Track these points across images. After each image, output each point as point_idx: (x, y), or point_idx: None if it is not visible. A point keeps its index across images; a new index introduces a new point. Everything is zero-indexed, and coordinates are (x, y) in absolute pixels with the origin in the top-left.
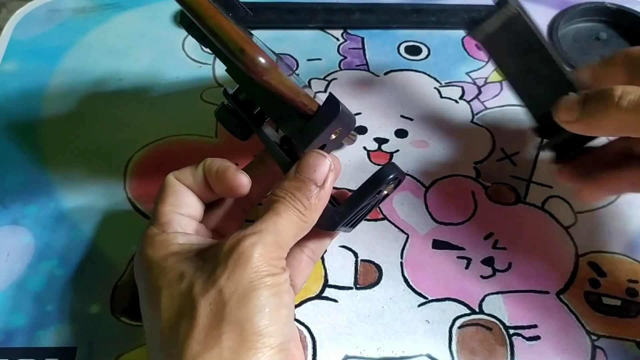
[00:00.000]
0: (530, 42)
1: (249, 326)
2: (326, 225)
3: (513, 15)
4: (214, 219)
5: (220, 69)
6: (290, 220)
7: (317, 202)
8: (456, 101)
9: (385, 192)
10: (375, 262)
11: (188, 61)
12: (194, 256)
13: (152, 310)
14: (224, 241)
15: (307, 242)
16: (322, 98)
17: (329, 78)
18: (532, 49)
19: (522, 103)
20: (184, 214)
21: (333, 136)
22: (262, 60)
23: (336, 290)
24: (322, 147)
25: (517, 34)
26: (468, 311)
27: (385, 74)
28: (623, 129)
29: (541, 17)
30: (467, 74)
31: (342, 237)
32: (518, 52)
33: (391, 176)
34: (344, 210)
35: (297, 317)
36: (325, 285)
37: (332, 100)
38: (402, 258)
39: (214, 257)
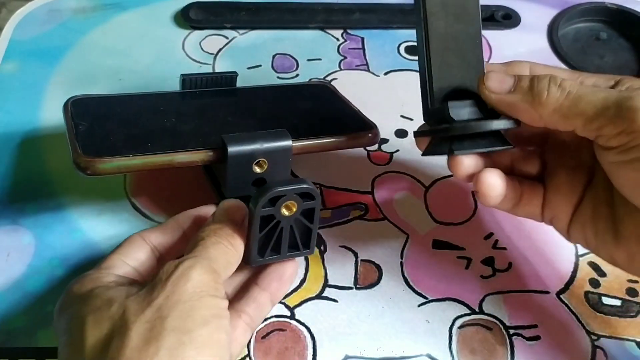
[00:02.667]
0: (470, 12)
1: (189, 338)
2: (245, 260)
3: None
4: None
5: (220, 69)
6: (218, 249)
7: (236, 238)
8: None
9: (295, 210)
10: (375, 262)
11: (188, 61)
12: (125, 286)
13: (72, 341)
14: (160, 270)
15: (246, 308)
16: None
17: (329, 78)
18: (469, 19)
19: (425, 71)
20: (130, 265)
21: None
22: None
23: (336, 290)
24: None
25: None
26: (468, 311)
27: (385, 74)
28: (555, 118)
29: (541, 17)
30: None
31: (342, 237)
32: (455, 14)
33: (261, 199)
34: (251, 244)
35: (297, 317)
36: (325, 285)
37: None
38: (402, 258)
39: (150, 283)
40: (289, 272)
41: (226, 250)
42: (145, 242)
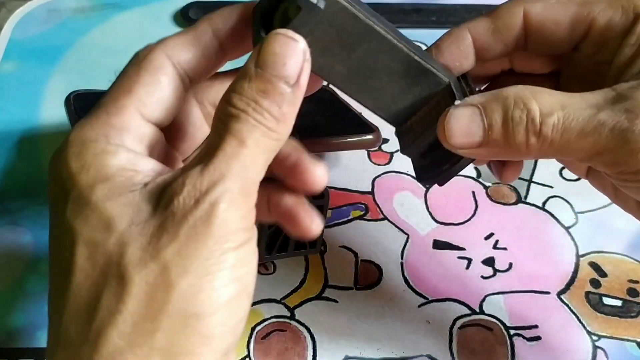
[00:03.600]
0: (358, 34)
1: (195, 324)
2: None
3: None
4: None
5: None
6: (258, 146)
7: (292, 108)
8: None
9: None
10: (376, 262)
11: None
12: (134, 193)
13: (60, 266)
14: (176, 187)
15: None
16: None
17: None
18: (363, 40)
19: (366, 106)
20: (149, 119)
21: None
22: None
23: (336, 290)
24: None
25: (337, 30)
26: (468, 311)
27: None
28: (548, 154)
29: None
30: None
31: (342, 237)
32: (343, 49)
33: None
34: (259, 241)
35: (297, 318)
36: (326, 285)
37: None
38: (402, 258)
39: (163, 207)
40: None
41: (268, 143)
42: (172, 68)
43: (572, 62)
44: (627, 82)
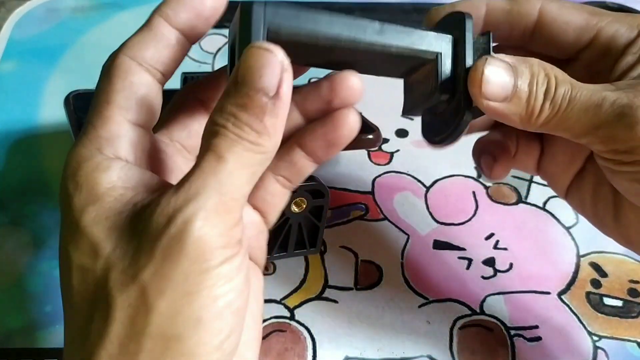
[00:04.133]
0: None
1: (175, 345)
2: None
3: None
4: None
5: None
6: (239, 161)
7: (275, 120)
8: None
9: (305, 207)
10: (376, 262)
11: (187, 60)
12: (121, 215)
13: (64, 288)
14: (154, 208)
15: (279, 164)
16: None
17: None
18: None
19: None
20: (136, 123)
21: None
22: None
23: (336, 290)
24: None
25: (306, 47)
26: (469, 312)
27: None
28: (541, 129)
29: None
30: None
31: (342, 237)
32: (321, 52)
33: None
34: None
35: (297, 318)
36: (326, 285)
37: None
38: (402, 258)
39: (142, 230)
40: (339, 133)
41: (252, 156)
42: (142, 69)
43: (569, 71)
44: (628, 80)
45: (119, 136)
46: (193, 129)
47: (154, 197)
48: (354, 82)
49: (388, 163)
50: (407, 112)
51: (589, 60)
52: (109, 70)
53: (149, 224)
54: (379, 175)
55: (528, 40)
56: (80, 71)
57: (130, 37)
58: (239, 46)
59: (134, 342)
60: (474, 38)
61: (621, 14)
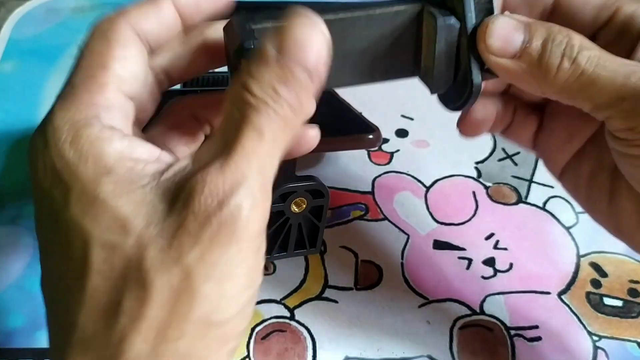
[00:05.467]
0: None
1: (216, 330)
2: None
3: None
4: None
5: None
6: (275, 140)
7: (309, 99)
8: None
9: (304, 207)
10: (376, 262)
11: None
12: (144, 188)
13: (69, 265)
14: (196, 185)
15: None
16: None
17: None
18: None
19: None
20: (128, 95)
21: None
22: None
23: (336, 290)
24: None
25: None
26: (469, 312)
27: None
28: (559, 96)
29: None
30: None
31: (342, 237)
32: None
33: (272, 194)
34: None
35: (297, 318)
36: (325, 286)
37: None
38: (402, 258)
39: (181, 207)
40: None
41: (286, 133)
42: (138, 39)
43: None
44: None
45: (115, 107)
46: (180, 149)
47: (179, 168)
48: (312, 137)
49: (388, 163)
50: (437, 90)
51: (606, 40)
52: (107, 33)
53: (195, 204)
54: (379, 175)
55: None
56: None
57: (133, 5)
58: (232, 53)
59: (173, 326)
60: None
61: None
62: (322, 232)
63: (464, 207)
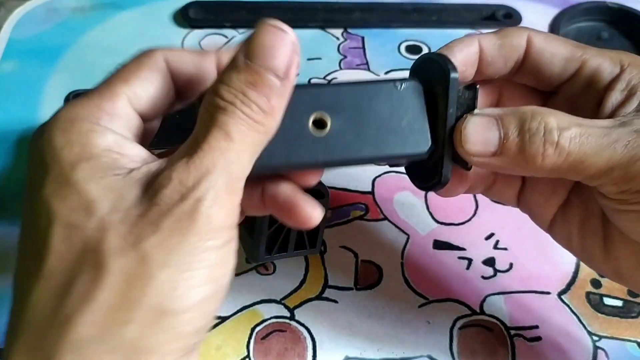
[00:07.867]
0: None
1: (167, 320)
2: (251, 257)
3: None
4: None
5: None
6: (244, 140)
7: (281, 101)
8: None
9: None
10: (376, 262)
11: None
12: (117, 177)
13: (32, 245)
14: (163, 179)
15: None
16: None
17: (329, 77)
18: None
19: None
20: (139, 111)
21: None
22: None
23: (336, 290)
24: None
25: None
26: (469, 312)
27: (386, 73)
28: (549, 175)
29: (542, 16)
30: None
31: (342, 237)
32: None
33: None
34: (260, 242)
35: (297, 318)
36: (325, 286)
37: None
38: (402, 258)
39: (148, 200)
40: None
41: (255, 136)
42: (168, 72)
43: (551, 104)
44: (625, 116)
45: (119, 115)
46: None
47: (155, 167)
48: (313, 214)
49: None
50: (392, 165)
51: (571, 93)
52: (142, 57)
53: (159, 196)
54: (379, 175)
55: (519, 71)
56: (80, 71)
57: (176, 47)
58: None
59: (124, 311)
60: (459, 92)
61: (603, 49)
62: (322, 232)
63: (464, 207)
